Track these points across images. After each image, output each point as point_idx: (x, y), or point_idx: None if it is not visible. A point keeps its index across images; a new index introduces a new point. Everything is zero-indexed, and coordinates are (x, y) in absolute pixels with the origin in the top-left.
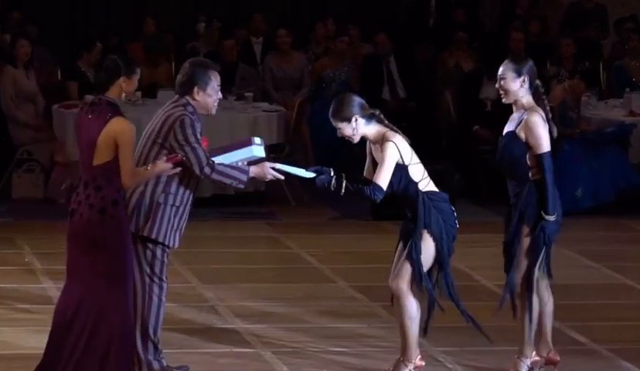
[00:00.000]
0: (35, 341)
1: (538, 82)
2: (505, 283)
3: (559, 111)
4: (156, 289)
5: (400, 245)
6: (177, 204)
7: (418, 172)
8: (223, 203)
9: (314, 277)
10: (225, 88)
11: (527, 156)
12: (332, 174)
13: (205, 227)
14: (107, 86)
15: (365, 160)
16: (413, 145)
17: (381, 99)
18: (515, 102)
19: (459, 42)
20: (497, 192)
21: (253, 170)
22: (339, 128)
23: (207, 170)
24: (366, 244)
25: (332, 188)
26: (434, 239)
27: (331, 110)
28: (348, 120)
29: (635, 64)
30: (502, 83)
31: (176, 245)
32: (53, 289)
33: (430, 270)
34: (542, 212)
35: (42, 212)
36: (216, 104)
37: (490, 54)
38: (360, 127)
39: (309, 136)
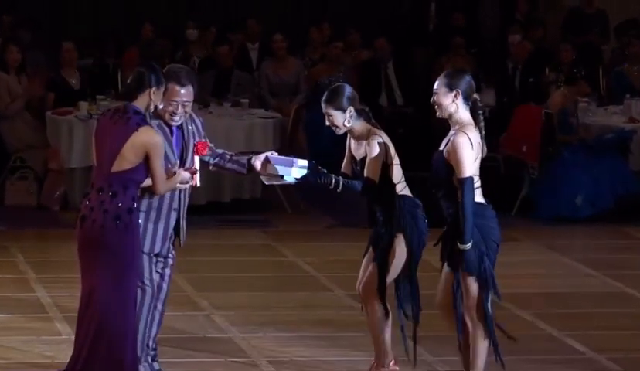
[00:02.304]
0: (28, 349)
1: (476, 96)
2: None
3: (558, 118)
4: (139, 294)
5: (370, 250)
6: (143, 209)
7: (397, 174)
8: (218, 211)
9: (310, 285)
10: (220, 94)
11: (453, 178)
12: (326, 172)
13: (200, 235)
14: (136, 95)
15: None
16: (410, 152)
17: (378, 105)
18: (450, 117)
19: (457, 47)
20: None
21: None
22: (330, 116)
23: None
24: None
25: (328, 183)
26: (407, 245)
27: (325, 96)
28: (343, 110)
29: (636, 70)
30: (434, 97)
31: (155, 249)
32: (47, 297)
33: (398, 276)
34: (457, 242)
35: (36, 219)
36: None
37: (488, 59)
38: (352, 120)
39: (305, 142)
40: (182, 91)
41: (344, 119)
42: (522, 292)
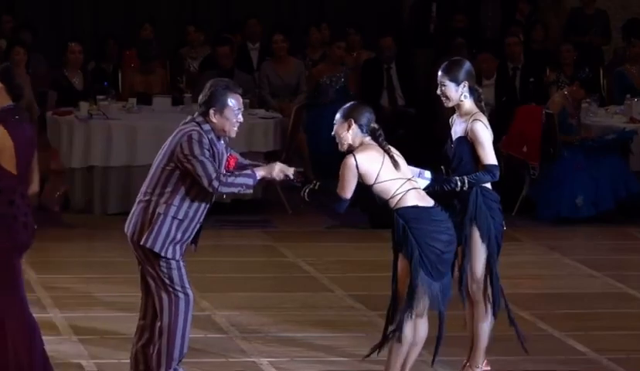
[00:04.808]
0: None
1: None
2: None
3: (559, 118)
4: (182, 302)
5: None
6: (180, 217)
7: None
8: (219, 211)
9: (311, 285)
10: None
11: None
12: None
13: (200, 235)
14: None
15: None
16: (410, 152)
17: (379, 105)
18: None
19: (458, 48)
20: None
21: (261, 172)
22: (444, 86)
23: (215, 183)
24: (364, 253)
25: (454, 186)
26: (483, 237)
27: (443, 66)
28: (457, 83)
29: (636, 70)
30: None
31: (176, 257)
32: (47, 298)
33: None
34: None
35: (36, 220)
36: (235, 128)
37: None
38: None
39: (306, 143)
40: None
41: (456, 92)
42: (522, 292)
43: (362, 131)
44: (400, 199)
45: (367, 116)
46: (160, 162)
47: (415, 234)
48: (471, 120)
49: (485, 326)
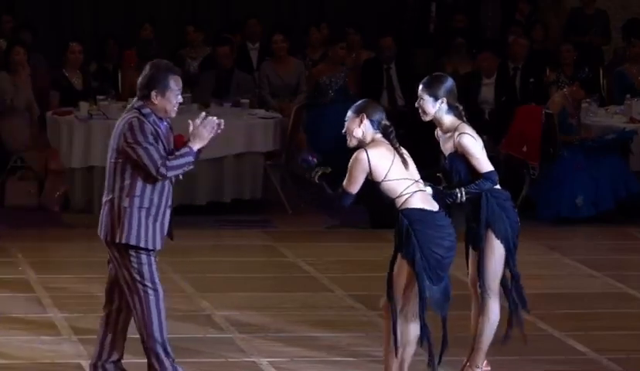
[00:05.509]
0: (28, 350)
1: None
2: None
3: (559, 118)
4: (152, 297)
5: (471, 251)
6: (145, 206)
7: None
8: (219, 211)
9: (310, 285)
10: (221, 95)
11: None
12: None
13: (200, 235)
14: None
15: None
16: (410, 152)
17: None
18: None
19: (457, 48)
20: None
21: (195, 144)
22: (422, 99)
23: (163, 170)
24: (364, 253)
25: (454, 199)
26: (499, 237)
27: (424, 80)
28: (436, 99)
29: (636, 70)
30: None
31: (157, 246)
32: (47, 298)
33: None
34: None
35: (36, 219)
36: (175, 108)
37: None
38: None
39: (306, 143)
40: None
41: (433, 107)
42: None
43: (373, 126)
44: (406, 199)
45: (379, 113)
46: (111, 158)
47: (418, 237)
48: (457, 136)
49: (491, 327)
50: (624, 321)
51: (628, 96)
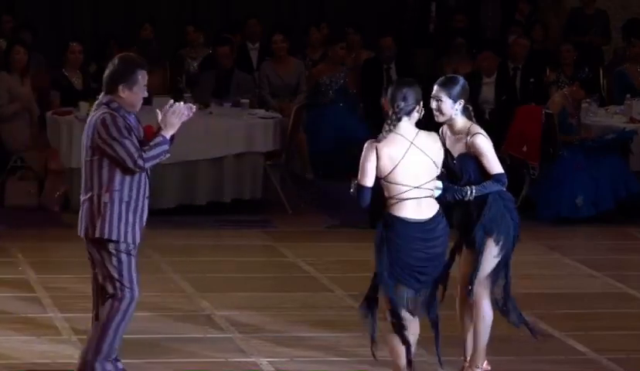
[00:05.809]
0: (28, 350)
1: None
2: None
3: (559, 118)
4: (127, 296)
5: (465, 249)
6: (125, 199)
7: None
8: (218, 211)
9: (310, 285)
10: (221, 95)
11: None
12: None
13: (200, 235)
14: None
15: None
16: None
17: (379, 105)
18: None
19: (457, 48)
20: None
21: (168, 132)
22: (440, 101)
23: (140, 162)
24: (364, 253)
25: (463, 196)
26: (498, 240)
27: (440, 80)
28: (454, 100)
29: (636, 70)
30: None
31: (137, 240)
32: (47, 298)
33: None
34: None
35: (36, 219)
36: (140, 102)
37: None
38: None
39: (306, 143)
40: None
41: (452, 108)
42: (522, 292)
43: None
44: (394, 204)
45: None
46: (86, 157)
47: (388, 243)
48: (471, 137)
49: (486, 327)
50: (624, 321)
51: (628, 96)
